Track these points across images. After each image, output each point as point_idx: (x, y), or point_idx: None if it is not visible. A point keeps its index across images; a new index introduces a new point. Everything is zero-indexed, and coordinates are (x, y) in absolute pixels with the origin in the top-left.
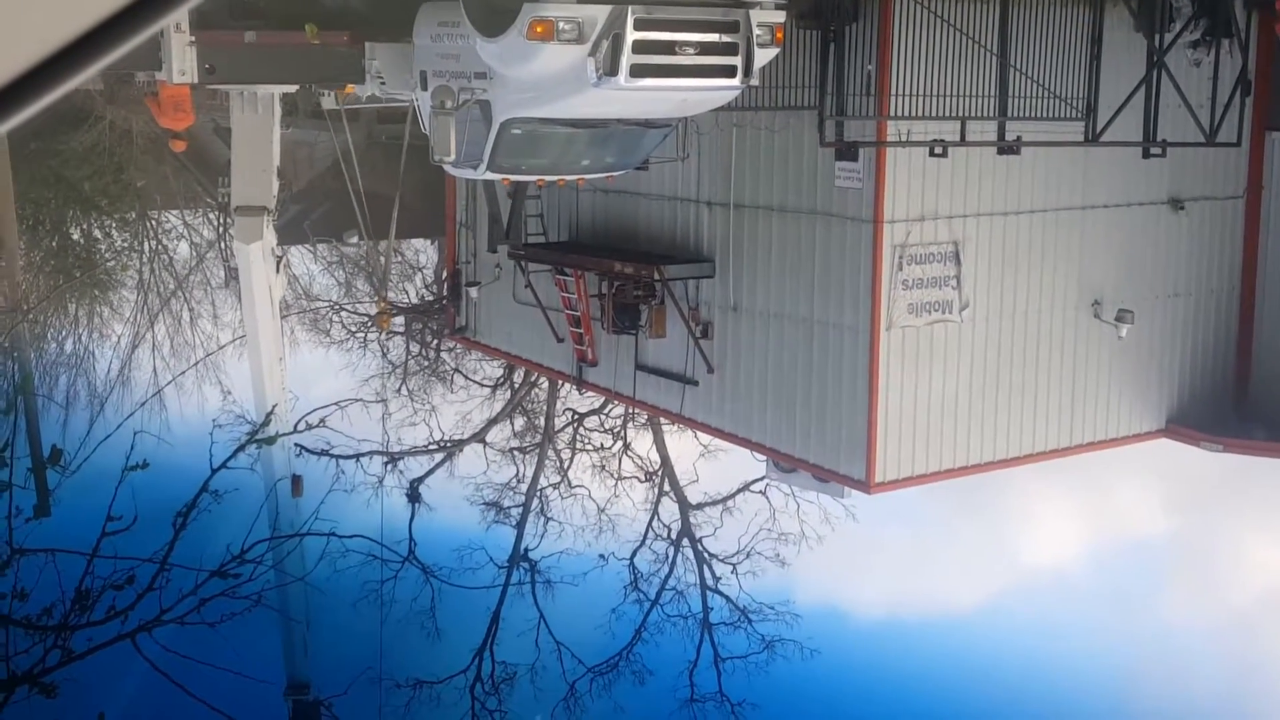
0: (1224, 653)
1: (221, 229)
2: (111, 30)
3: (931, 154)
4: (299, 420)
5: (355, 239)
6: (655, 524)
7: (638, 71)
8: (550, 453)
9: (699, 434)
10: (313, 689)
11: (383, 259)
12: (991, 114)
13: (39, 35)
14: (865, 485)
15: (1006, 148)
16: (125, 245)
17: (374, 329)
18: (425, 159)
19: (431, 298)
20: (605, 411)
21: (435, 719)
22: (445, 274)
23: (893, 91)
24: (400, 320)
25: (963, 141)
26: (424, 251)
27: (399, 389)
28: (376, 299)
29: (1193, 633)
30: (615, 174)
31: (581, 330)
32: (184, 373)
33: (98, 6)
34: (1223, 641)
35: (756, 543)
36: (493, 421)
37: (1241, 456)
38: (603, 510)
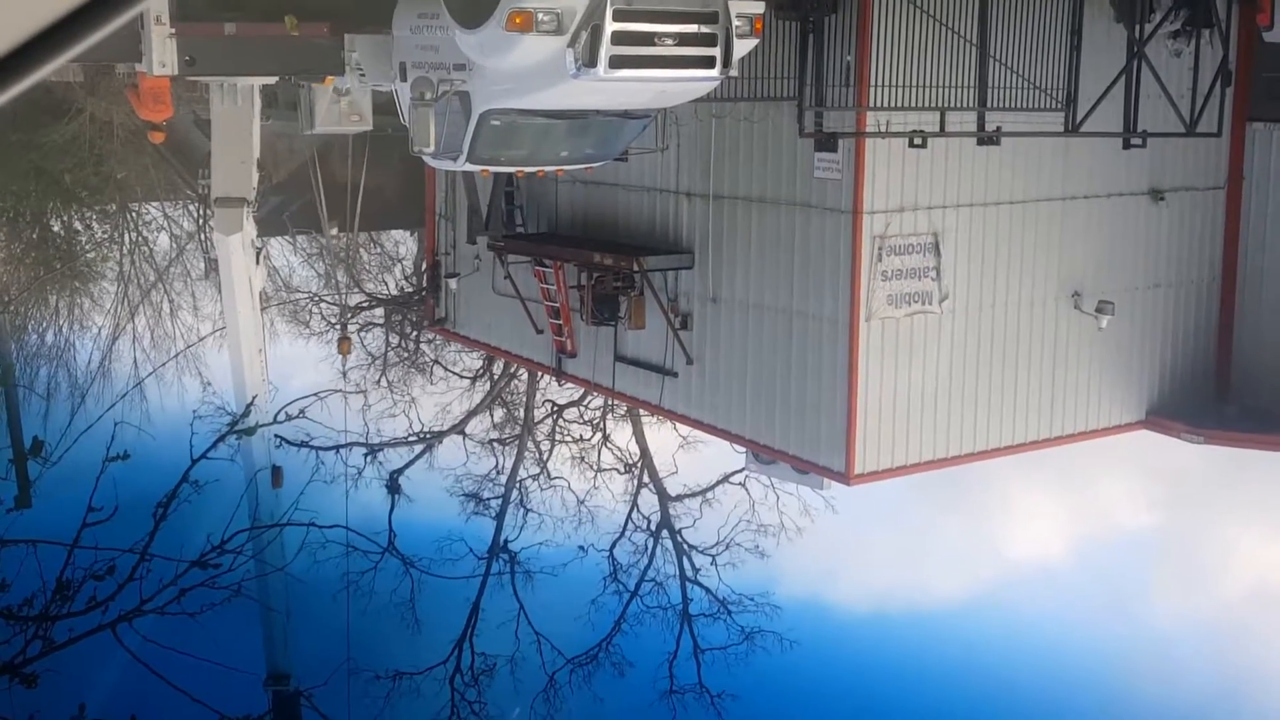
0: (1208, 644)
1: (201, 221)
2: (84, 18)
3: (911, 145)
4: (279, 411)
5: (335, 231)
6: (635, 515)
7: (616, 62)
8: (530, 444)
9: (678, 425)
10: (293, 679)
11: (338, 252)
12: (971, 105)
13: (11, 22)
14: (845, 477)
15: (986, 138)
16: (105, 237)
17: (338, 353)
18: (405, 150)
19: (411, 289)
20: (584, 403)
21: (415, 710)
22: (425, 265)
23: (872, 82)
24: (379, 312)
25: (942, 132)
26: (403, 243)
27: (378, 381)
28: (338, 337)
29: (1177, 624)
30: (594, 165)
31: (561, 321)
32: (164, 364)
33: None
34: (1207, 632)
35: (736, 534)
36: (472, 413)
37: (1222, 448)
38: (582, 502)
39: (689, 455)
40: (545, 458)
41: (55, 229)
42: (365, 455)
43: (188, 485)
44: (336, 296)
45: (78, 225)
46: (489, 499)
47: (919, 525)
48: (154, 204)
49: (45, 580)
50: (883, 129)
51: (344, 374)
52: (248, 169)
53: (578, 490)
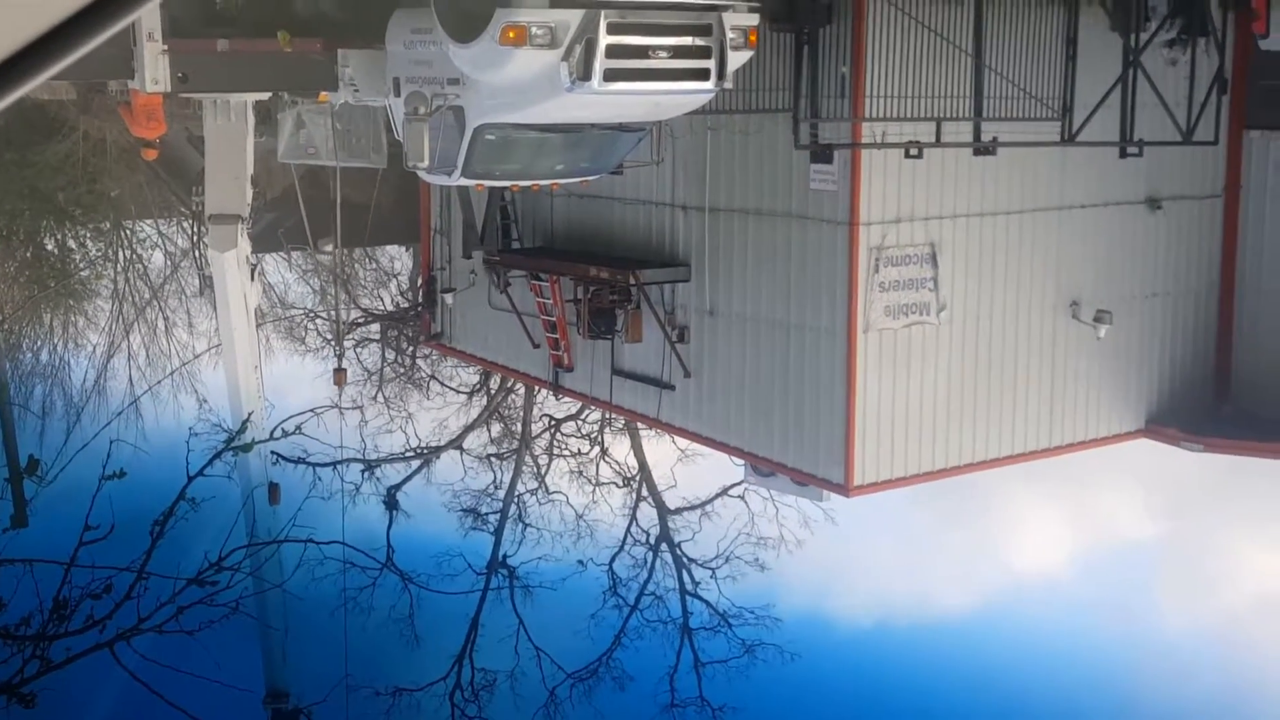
0: (1213, 651)
1: (196, 238)
2: (74, 30)
3: (907, 155)
4: (275, 427)
5: (331, 247)
6: (633, 529)
7: (611, 76)
8: (527, 459)
9: (676, 439)
10: (292, 697)
11: (332, 268)
12: (967, 115)
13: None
14: (844, 488)
15: (982, 149)
16: (99, 255)
17: (334, 384)
18: (399, 165)
19: (407, 305)
20: (582, 417)
21: None
22: (420, 281)
23: (867, 93)
24: (375, 328)
25: (938, 143)
26: (399, 258)
27: (375, 396)
28: (334, 369)
29: (1181, 632)
30: (589, 178)
31: (557, 336)
32: (160, 382)
33: (59, 6)
34: (1211, 640)
35: (735, 547)
36: (469, 428)
37: (1221, 456)
38: (581, 516)
39: (687, 468)
40: (543, 472)
41: (49, 247)
42: (362, 471)
43: (184, 503)
44: (331, 314)
45: (71, 243)
46: (487, 514)
47: (919, 536)
48: (148, 221)
49: (42, 600)
50: (878, 140)
51: (339, 407)
52: (241, 185)
53: (576, 504)
